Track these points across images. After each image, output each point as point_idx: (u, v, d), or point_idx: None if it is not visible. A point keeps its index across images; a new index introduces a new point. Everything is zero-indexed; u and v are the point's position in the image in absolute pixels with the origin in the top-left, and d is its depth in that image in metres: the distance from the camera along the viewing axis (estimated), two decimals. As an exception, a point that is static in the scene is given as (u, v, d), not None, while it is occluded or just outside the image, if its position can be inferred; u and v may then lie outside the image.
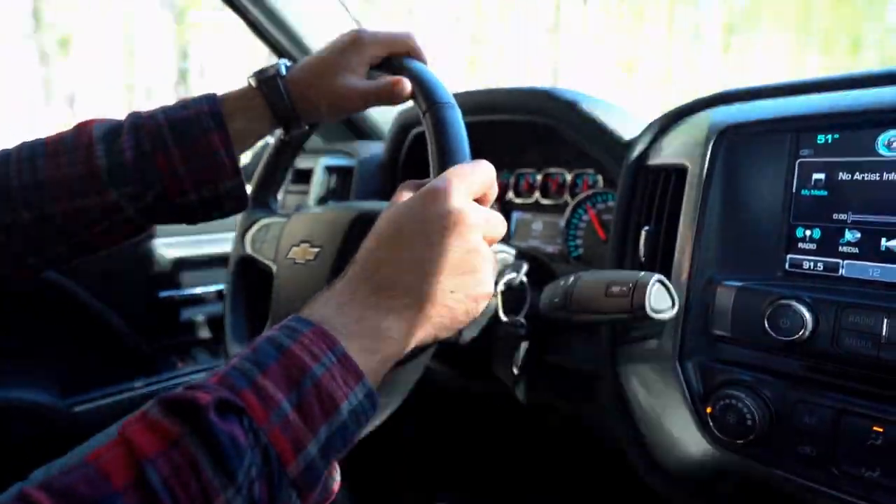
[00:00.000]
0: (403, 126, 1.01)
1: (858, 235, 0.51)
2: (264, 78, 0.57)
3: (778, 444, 0.50)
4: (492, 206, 0.47)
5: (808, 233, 0.53)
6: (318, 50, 0.60)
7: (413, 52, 0.59)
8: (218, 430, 0.29)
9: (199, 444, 0.28)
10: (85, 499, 0.26)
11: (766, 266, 0.55)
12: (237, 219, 0.78)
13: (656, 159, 0.66)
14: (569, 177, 0.92)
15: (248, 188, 0.63)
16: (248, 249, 0.77)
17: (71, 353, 1.09)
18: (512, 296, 0.70)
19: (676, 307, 0.51)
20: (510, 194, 0.99)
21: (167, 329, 1.22)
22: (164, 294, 1.20)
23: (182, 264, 1.23)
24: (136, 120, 0.55)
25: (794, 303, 0.50)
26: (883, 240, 0.49)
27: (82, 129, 0.54)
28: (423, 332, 0.41)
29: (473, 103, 0.86)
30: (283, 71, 0.58)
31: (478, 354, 0.77)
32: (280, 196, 1.12)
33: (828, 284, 0.51)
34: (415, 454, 1.21)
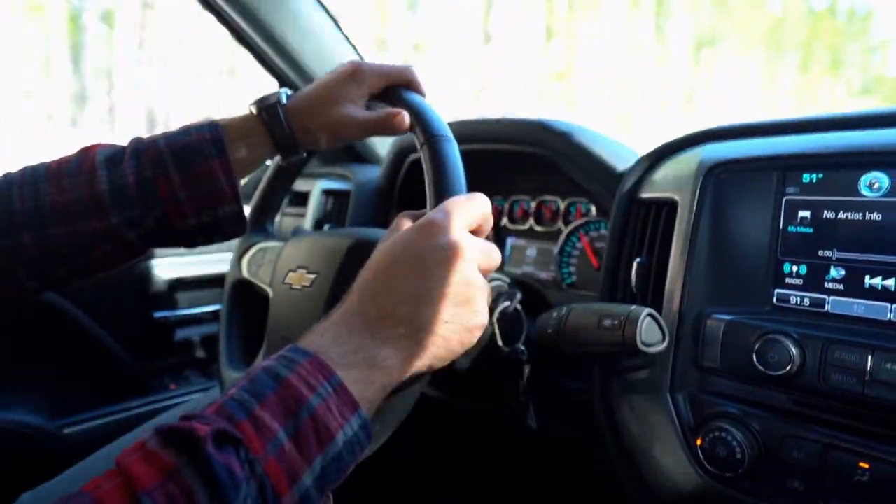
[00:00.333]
0: (400, 152, 1.03)
1: (843, 272, 0.52)
2: (265, 106, 0.58)
3: (766, 477, 0.51)
4: (487, 236, 0.48)
5: (794, 268, 0.54)
6: (318, 79, 0.61)
7: (412, 85, 0.60)
8: (215, 462, 0.29)
9: (196, 475, 0.29)
10: None
11: (755, 300, 0.56)
12: (234, 241, 0.78)
13: (648, 192, 0.68)
14: (562, 205, 0.93)
15: (247, 209, 0.63)
16: (245, 273, 0.78)
17: (61, 374, 1.08)
18: (508, 324, 0.71)
19: (667, 341, 0.52)
20: (505, 220, 1.00)
21: (161, 350, 1.22)
22: (159, 314, 1.20)
23: (178, 285, 1.23)
24: (139, 145, 0.56)
25: (781, 337, 0.51)
26: (867, 277, 0.50)
27: (86, 153, 0.55)
28: (419, 362, 0.41)
29: (469, 133, 0.88)
30: (284, 99, 0.59)
31: (472, 380, 0.77)
32: (277, 218, 1.13)
33: (814, 320, 0.53)
34: (410, 474, 1.20)
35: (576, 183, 0.82)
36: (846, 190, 0.52)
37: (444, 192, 0.48)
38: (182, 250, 0.74)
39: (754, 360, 0.52)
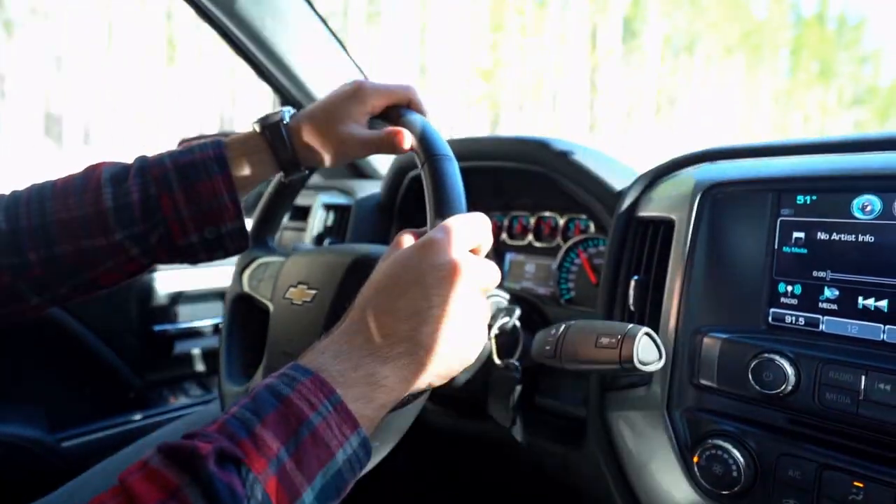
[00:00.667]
0: (401, 169, 1.04)
1: (837, 293, 0.53)
2: (268, 124, 0.59)
3: (763, 495, 0.51)
4: (486, 255, 0.48)
5: (789, 288, 0.55)
6: (321, 98, 0.63)
7: (413, 104, 0.61)
8: (217, 481, 0.29)
9: (199, 494, 0.29)
10: None
11: (750, 319, 0.57)
12: (236, 256, 0.79)
13: (646, 211, 0.69)
14: (561, 221, 0.94)
15: (248, 222, 0.64)
16: (246, 287, 0.78)
17: (60, 387, 1.08)
18: (505, 339, 0.72)
19: (664, 359, 0.52)
20: (504, 236, 1.01)
21: (160, 362, 1.22)
22: (158, 328, 1.20)
23: (178, 298, 1.23)
24: (143, 163, 0.57)
25: (776, 357, 0.51)
26: (860, 298, 0.51)
27: (92, 171, 0.56)
28: (418, 380, 0.42)
29: (469, 151, 0.89)
30: (287, 118, 0.60)
31: (471, 395, 0.78)
32: (277, 232, 1.14)
33: (809, 339, 0.53)
34: (402, 487, 1.19)
35: (575, 199, 0.83)
36: (839, 212, 0.53)
37: (444, 210, 0.49)
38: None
39: (750, 378, 0.52)
